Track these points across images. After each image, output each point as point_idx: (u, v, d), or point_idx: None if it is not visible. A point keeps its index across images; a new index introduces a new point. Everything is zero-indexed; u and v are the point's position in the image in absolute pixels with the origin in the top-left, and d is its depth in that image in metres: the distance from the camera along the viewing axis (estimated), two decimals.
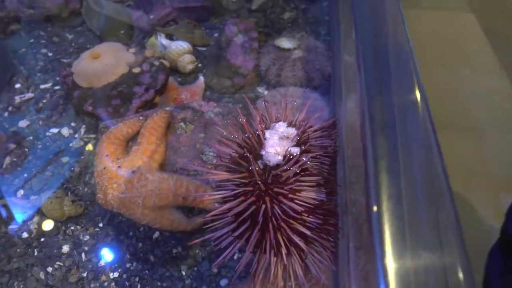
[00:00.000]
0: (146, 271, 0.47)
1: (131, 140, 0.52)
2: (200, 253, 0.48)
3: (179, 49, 0.68)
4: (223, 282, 0.47)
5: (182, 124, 0.53)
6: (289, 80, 0.66)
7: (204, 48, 0.74)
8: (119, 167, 0.47)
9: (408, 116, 0.32)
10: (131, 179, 0.46)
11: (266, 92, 0.66)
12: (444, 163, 0.28)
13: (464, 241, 0.24)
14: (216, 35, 0.76)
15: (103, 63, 0.59)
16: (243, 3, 0.85)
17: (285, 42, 0.69)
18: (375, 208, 0.26)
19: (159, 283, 0.46)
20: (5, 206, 0.48)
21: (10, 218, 0.48)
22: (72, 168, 0.53)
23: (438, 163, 0.28)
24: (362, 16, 0.44)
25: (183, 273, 0.47)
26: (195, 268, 0.47)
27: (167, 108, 0.54)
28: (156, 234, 0.50)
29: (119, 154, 0.49)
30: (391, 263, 0.23)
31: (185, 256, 0.48)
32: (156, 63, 0.62)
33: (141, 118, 0.53)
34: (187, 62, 0.68)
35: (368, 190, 0.28)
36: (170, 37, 0.74)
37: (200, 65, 0.71)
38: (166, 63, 0.64)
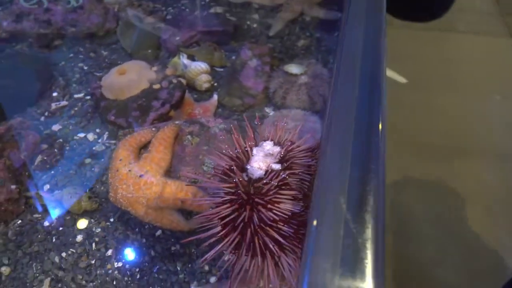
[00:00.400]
0: (146, 264, 0.52)
1: (143, 147, 0.57)
2: (195, 252, 0.53)
3: (197, 69, 0.74)
4: (212, 279, 0.51)
5: (189, 136, 0.58)
6: (293, 103, 0.71)
7: (222, 69, 0.80)
8: (129, 170, 0.53)
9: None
10: (138, 181, 0.52)
11: (272, 113, 0.71)
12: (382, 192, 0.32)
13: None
14: (234, 57, 0.82)
15: (128, 78, 0.66)
16: (263, 29, 0.91)
17: (293, 68, 0.74)
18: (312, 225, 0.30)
19: (156, 275, 0.51)
20: (33, 198, 0.55)
21: (36, 208, 0.55)
22: (93, 169, 0.59)
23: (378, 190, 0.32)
24: (342, 44, 0.48)
25: (178, 268, 0.52)
26: (189, 265, 0.52)
27: (177, 122, 0.60)
28: (159, 232, 0.55)
29: (131, 159, 0.55)
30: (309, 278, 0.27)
31: (182, 254, 0.53)
32: (174, 80, 0.68)
33: (153, 129, 0.59)
34: (203, 81, 0.74)
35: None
36: (192, 57, 0.80)
37: (216, 84, 0.77)
38: (184, 81, 0.70)
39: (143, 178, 0.52)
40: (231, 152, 0.48)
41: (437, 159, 1.68)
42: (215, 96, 0.74)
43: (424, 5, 1.19)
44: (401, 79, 2.15)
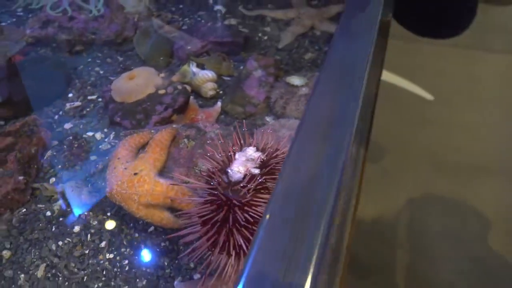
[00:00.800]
0: (136, 257, 0.54)
1: (142, 148, 0.60)
2: (183, 249, 0.55)
3: (204, 77, 0.77)
4: (196, 276, 0.53)
5: (185, 140, 0.61)
6: (292, 113, 0.72)
7: (229, 78, 0.82)
8: (125, 168, 0.55)
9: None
10: (132, 179, 0.54)
11: (272, 121, 0.72)
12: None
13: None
14: (241, 67, 0.84)
15: (135, 83, 0.69)
16: (273, 42, 0.92)
17: (295, 79, 0.75)
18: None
19: (143, 269, 0.53)
20: (38, 189, 0.58)
21: (40, 199, 0.58)
22: (97, 165, 0.62)
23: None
24: (328, 55, 0.49)
25: (165, 263, 0.54)
26: (176, 261, 0.54)
27: (174, 126, 0.62)
28: (151, 228, 0.57)
29: (129, 158, 0.57)
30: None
31: (170, 250, 0.55)
32: (179, 87, 0.71)
33: (152, 131, 0.61)
34: (209, 88, 0.76)
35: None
36: (202, 66, 0.82)
37: (221, 92, 0.79)
38: (188, 87, 0.72)
39: (137, 176, 0.55)
40: (218, 156, 0.50)
41: (458, 177, 1.65)
42: (219, 103, 0.76)
43: (441, 21, 1.17)
44: (428, 96, 2.11)
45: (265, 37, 0.93)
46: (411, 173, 1.70)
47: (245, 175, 0.46)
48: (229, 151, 0.49)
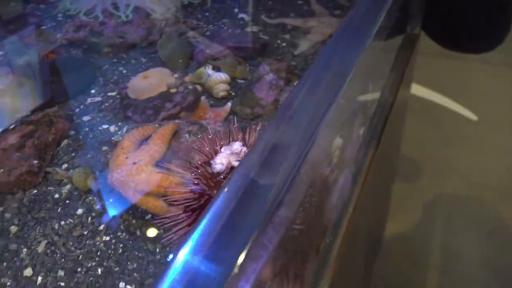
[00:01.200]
0: (130, 242, 0.56)
1: (146, 140, 0.62)
2: (173, 237, 0.56)
3: (217, 78, 0.78)
4: None
5: (187, 135, 0.62)
6: None
7: (243, 81, 0.84)
8: (126, 158, 0.58)
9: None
10: (131, 168, 0.56)
11: None
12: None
13: None
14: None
15: (149, 82, 0.72)
16: (290, 48, 0.93)
17: None
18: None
19: (136, 253, 0.54)
20: (50, 173, 0.62)
21: (51, 182, 0.62)
22: (107, 155, 0.65)
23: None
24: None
25: (157, 250, 0.55)
26: (167, 248, 0.55)
27: (176, 121, 0.64)
28: (148, 216, 0.59)
29: (131, 149, 0.60)
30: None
31: (164, 236, 0.56)
32: (190, 87, 0.73)
33: (157, 125, 0.63)
34: (220, 89, 0.78)
35: None
36: (218, 69, 0.84)
37: (233, 93, 0.80)
38: (199, 87, 0.74)
39: (135, 165, 0.57)
40: (207, 149, 0.51)
41: (492, 201, 1.56)
42: (229, 104, 0.77)
43: (473, 35, 1.12)
44: (471, 116, 2.02)
45: (284, 44, 0.94)
46: (447, 195, 1.63)
47: (227, 167, 0.47)
48: (217, 145, 0.50)
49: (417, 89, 2.16)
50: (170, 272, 0.27)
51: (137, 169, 0.56)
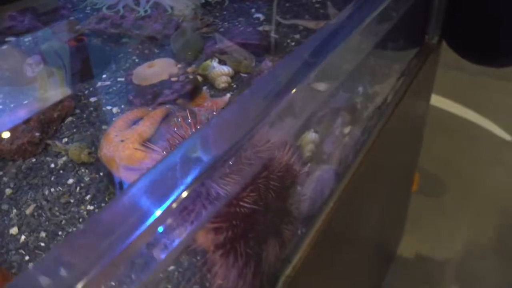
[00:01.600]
0: None
1: (138, 121, 0.64)
2: None
3: (220, 71, 0.80)
4: None
5: (176, 119, 0.64)
6: None
7: (246, 75, 0.84)
8: (116, 135, 0.60)
9: None
10: (117, 145, 0.59)
11: None
12: None
13: None
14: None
15: (152, 70, 0.74)
16: (297, 46, 0.93)
17: None
18: None
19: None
20: (50, 145, 0.65)
21: (50, 153, 0.65)
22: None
23: None
24: None
25: None
26: None
27: (168, 106, 0.66)
28: None
29: (122, 128, 0.62)
30: None
31: None
32: (191, 76, 0.75)
33: (150, 109, 0.65)
34: (221, 81, 0.79)
35: None
36: (224, 62, 0.86)
37: (235, 86, 0.81)
38: (200, 78, 0.76)
39: (122, 142, 0.59)
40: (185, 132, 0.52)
41: None
42: (228, 95, 0.78)
43: (497, 48, 1.07)
44: (505, 136, 1.93)
45: (293, 43, 0.94)
46: (470, 215, 1.55)
47: None
48: (193, 128, 0.51)
49: (448, 105, 2.07)
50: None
51: (124, 146, 0.58)
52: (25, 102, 0.75)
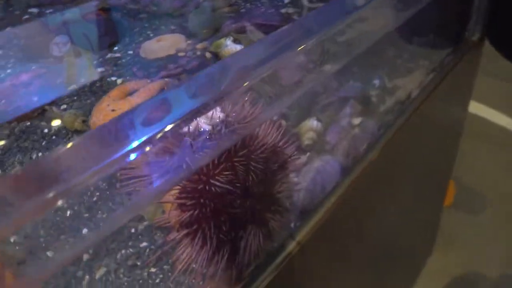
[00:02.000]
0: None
1: (134, 92, 0.61)
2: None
3: (231, 49, 0.75)
4: None
5: None
6: None
7: None
8: (108, 105, 0.57)
9: None
10: (108, 114, 0.55)
11: None
12: None
13: None
14: None
15: (160, 45, 0.71)
16: None
17: None
18: None
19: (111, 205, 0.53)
20: (48, 110, 0.63)
21: (45, 118, 0.63)
22: None
23: None
24: None
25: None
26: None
27: (166, 79, 0.61)
28: None
29: (117, 98, 0.59)
30: None
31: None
32: (198, 53, 0.70)
33: (148, 81, 0.62)
34: None
35: None
36: (238, 41, 0.81)
37: None
38: (209, 55, 0.72)
39: (113, 112, 0.55)
40: None
41: None
42: None
43: None
44: None
45: None
46: (510, 233, 1.42)
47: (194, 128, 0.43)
48: None
49: (490, 113, 1.93)
50: None
51: (114, 116, 0.55)
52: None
